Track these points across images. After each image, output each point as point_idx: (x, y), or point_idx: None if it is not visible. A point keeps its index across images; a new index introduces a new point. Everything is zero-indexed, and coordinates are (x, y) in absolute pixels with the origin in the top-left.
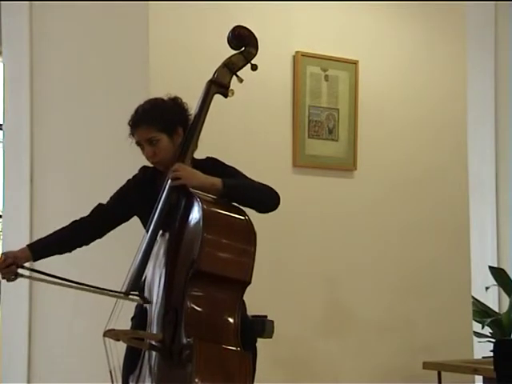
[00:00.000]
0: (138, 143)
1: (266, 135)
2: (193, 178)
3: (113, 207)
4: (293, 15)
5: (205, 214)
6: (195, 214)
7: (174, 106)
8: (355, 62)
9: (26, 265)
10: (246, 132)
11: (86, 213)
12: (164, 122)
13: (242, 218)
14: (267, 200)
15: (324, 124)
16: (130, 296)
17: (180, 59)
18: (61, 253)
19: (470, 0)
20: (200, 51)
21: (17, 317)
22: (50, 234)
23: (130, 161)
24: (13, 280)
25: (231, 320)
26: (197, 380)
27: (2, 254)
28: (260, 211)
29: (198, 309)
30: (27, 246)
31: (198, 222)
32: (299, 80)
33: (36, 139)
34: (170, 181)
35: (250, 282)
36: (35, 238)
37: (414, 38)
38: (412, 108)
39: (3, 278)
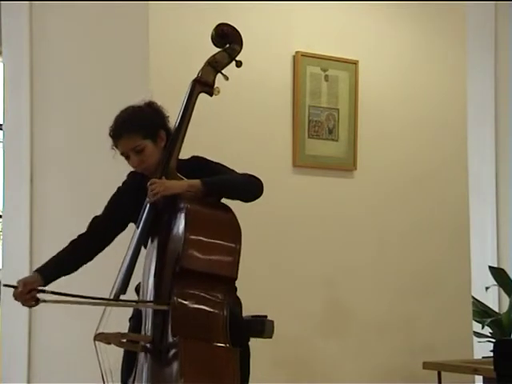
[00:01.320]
0: (123, 153)
1: (265, 135)
2: (170, 188)
3: (108, 218)
4: (293, 15)
5: (187, 213)
6: (179, 213)
7: (152, 111)
8: (355, 62)
9: None
10: (246, 132)
11: (85, 213)
12: (146, 129)
13: (226, 214)
14: (250, 189)
15: (324, 124)
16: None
17: (180, 59)
18: (68, 273)
19: (470, 0)
20: (200, 51)
21: (17, 317)
22: (54, 257)
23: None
24: (34, 306)
25: (218, 316)
26: (183, 379)
27: (18, 282)
28: (246, 201)
29: (184, 307)
30: (36, 271)
31: (181, 221)
32: (299, 80)
33: (36, 139)
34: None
35: (235, 278)
36: (35, 238)
37: (414, 38)
38: (412, 108)
39: (25, 305)
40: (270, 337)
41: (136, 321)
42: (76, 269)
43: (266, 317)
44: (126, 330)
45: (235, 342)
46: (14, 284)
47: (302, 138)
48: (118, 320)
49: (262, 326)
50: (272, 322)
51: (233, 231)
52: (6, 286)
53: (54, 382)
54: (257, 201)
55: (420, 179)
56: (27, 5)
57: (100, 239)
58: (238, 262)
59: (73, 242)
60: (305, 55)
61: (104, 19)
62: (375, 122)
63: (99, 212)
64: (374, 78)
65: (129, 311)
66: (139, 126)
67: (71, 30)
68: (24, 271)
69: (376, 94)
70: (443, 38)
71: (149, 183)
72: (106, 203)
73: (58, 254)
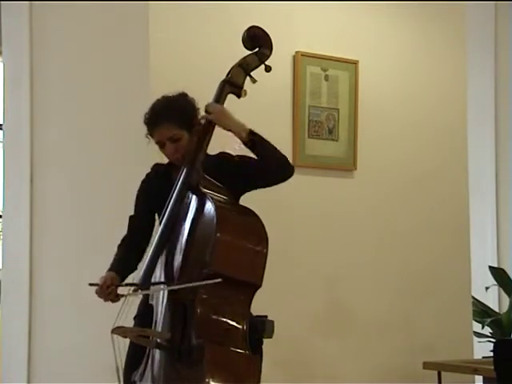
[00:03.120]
0: (159, 142)
1: (266, 135)
2: (223, 117)
3: (143, 214)
4: (293, 15)
5: (218, 215)
6: (208, 215)
7: (186, 101)
8: (355, 62)
9: None
10: None
11: (85, 213)
12: (183, 119)
13: (255, 219)
14: (283, 167)
15: (324, 124)
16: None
17: (180, 59)
18: (132, 272)
19: (470, 0)
20: (200, 51)
21: (17, 317)
22: (119, 259)
23: (130, 161)
24: (116, 301)
25: (241, 323)
26: (207, 381)
27: (100, 279)
28: (272, 179)
29: (210, 311)
30: (111, 270)
31: (211, 223)
32: (299, 80)
33: (36, 139)
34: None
35: (260, 285)
36: (35, 238)
37: (414, 38)
38: (412, 108)
39: (107, 300)
40: (270, 337)
41: (140, 319)
42: (137, 267)
43: (266, 317)
44: None
45: (252, 348)
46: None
47: (302, 138)
48: (123, 317)
49: (262, 326)
50: (272, 321)
51: (261, 237)
52: (91, 284)
53: (54, 382)
54: (256, 200)
55: (420, 179)
56: (27, 5)
57: (144, 237)
58: (264, 270)
59: (123, 247)
60: (305, 55)
61: (104, 19)
62: (375, 121)
63: (99, 212)
64: (374, 78)
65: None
66: (177, 116)
67: (71, 30)
68: (24, 271)
69: (376, 94)
70: (443, 38)
71: (206, 107)
72: (105, 203)
73: (119, 257)
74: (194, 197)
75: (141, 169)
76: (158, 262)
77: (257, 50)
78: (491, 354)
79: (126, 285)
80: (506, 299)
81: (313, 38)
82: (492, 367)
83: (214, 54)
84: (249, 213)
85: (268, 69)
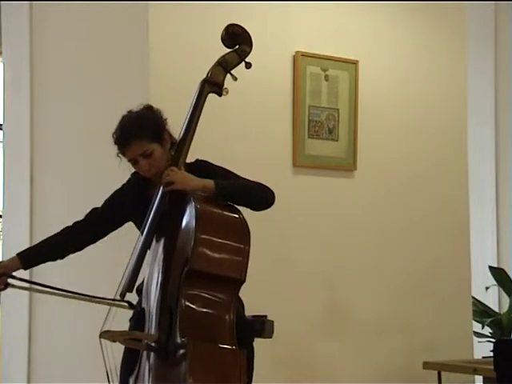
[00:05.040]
0: (131, 160)
1: (266, 135)
2: (185, 182)
3: (106, 212)
4: (293, 15)
5: (198, 213)
6: (189, 213)
7: (153, 114)
8: (355, 62)
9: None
10: (245, 132)
11: (85, 213)
12: (152, 132)
13: (236, 216)
14: (261, 198)
15: (324, 124)
16: (116, 302)
17: (180, 59)
18: (53, 259)
19: (470, 0)
20: (200, 51)
21: (17, 317)
22: (42, 241)
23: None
24: (2, 290)
25: (226, 318)
26: (191, 379)
27: None
28: (255, 209)
29: (193, 308)
30: (17, 254)
31: (191, 221)
32: (299, 80)
33: (36, 139)
34: (162, 187)
35: (244, 281)
36: (35, 238)
37: (414, 38)
38: (412, 108)
39: None
40: (270, 337)
41: (136, 321)
42: (62, 256)
43: (265, 317)
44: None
45: (240, 344)
46: None
47: (302, 137)
48: (118, 319)
49: (261, 326)
50: (272, 322)
51: (242, 233)
52: None
53: (54, 382)
54: None
55: (420, 179)
56: (27, 5)
57: (94, 231)
58: (247, 264)
59: (66, 229)
60: (305, 55)
61: (104, 19)
62: (375, 121)
63: None
64: (374, 78)
65: (130, 311)
66: (146, 131)
67: (71, 30)
68: (24, 271)
69: (376, 93)
70: (443, 38)
71: (165, 173)
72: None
73: (48, 238)
74: (177, 197)
75: None
76: (149, 264)
77: (236, 47)
78: (491, 353)
79: (16, 278)
80: (506, 299)
81: (313, 37)
82: (492, 367)
83: (214, 54)
84: (230, 209)
85: (248, 66)
